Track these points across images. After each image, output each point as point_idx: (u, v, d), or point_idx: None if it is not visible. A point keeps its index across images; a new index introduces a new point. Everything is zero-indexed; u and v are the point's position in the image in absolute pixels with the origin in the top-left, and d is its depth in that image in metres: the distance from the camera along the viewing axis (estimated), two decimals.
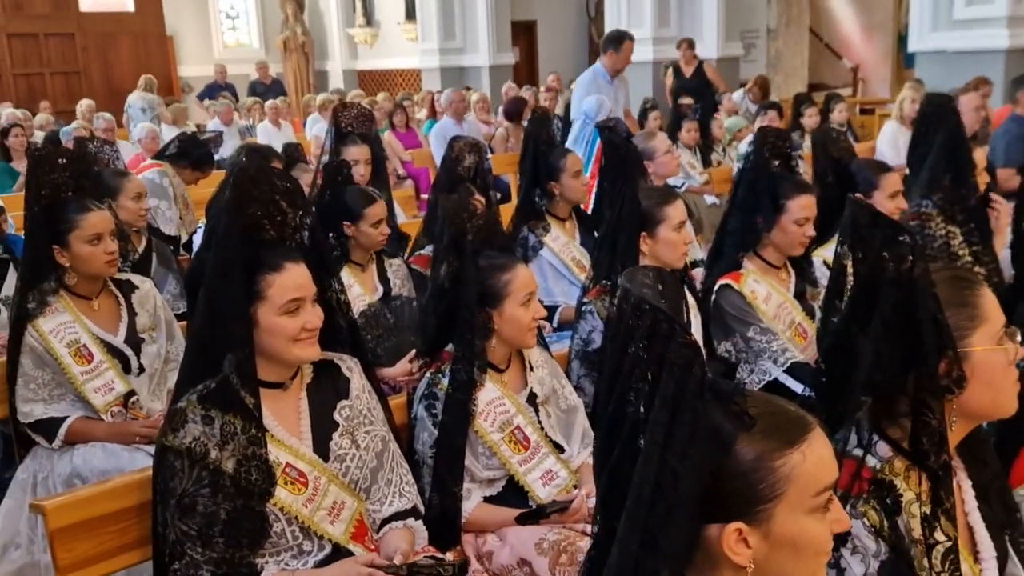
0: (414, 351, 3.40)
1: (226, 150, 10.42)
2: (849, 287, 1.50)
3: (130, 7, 15.32)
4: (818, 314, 3.11)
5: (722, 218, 3.18)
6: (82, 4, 14.84)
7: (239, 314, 1.90)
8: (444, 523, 2.27)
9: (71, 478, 2.69)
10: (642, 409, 1.08)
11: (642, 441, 1.08)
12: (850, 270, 1.50)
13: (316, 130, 10.19)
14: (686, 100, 8.19)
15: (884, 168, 3.35)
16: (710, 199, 6.89)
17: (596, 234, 4.02)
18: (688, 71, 10.56)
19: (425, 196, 8.33)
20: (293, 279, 1.96)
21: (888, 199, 3.21)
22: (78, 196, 2.85)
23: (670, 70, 10.75)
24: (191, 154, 4.82)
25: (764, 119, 6.40)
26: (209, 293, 1.92)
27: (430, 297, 2.44)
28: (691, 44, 10.68)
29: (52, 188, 2.80)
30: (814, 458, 1.09)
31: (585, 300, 2.83)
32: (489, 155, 8.46)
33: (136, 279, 3.04)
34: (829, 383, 1.49)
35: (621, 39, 7.01)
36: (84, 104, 11.04)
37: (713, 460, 1.07)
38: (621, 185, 2.77)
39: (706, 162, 7.34)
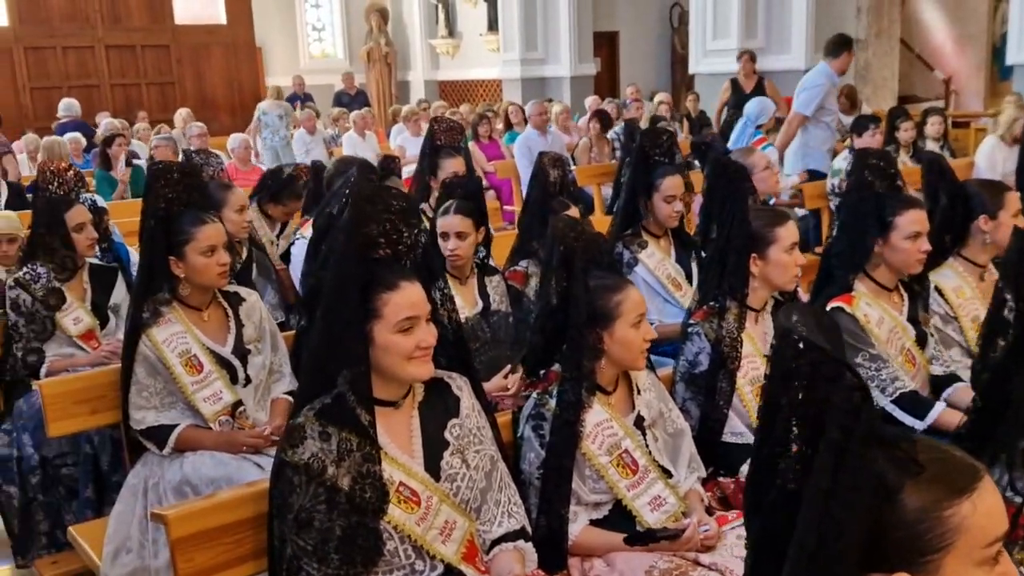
0: (509, 366, 3.44)
1: (313, 159, 10.65)
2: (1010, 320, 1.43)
3: (222, 19, 15.74)
4: (931, 342, 3.02)
5: (827, 242, 3.12)
6: (177, 17, 15.30)
7: (355, 332, 1.92)
8: (550, 545, 2.25)
9: (181, 485, 2.75)
10: (802, 453, 1.04)
11: (795, 485, 1.04)
12: (1010, 305, 1.43)
13: (400, 140, 10.32)
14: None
15: (1003, 188, 3.23)
16: (801, 211, 6.76)
17: (697, 253, 4.00)
18: (748, 85, 10.38)
19: (509, 208, 8.36)
20: (408, 297, 1.97)
21: (1012, 219, 3.10)
22: (192, 208, 2.92)
23: (727, 83, 10.57)
24: (269, 188, 4.71)
25: (872, 135, 6.24)
26: (326, 311, 1.94)
27: (538, 316, 2.42)
28: (752, 57, 10.50)
29: (168, 201, 2.87)
30: (984, 508, 1.04)
31: (691, 321, 2.78)
32: (572, 167, 8.54)
33: (243, 291, 3.09)
34: (982, 421, 1.42)
35: (849, 43, 7.26)
36: (184, 113, 11.36)
37: (878, 509, 1.03)
38: (729, 204, 2.72)
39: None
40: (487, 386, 3.26)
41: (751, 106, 6.55)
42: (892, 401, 2.81)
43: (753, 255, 2.71)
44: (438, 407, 2.12)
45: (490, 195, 9.03)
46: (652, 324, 3.73)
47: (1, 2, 14.13)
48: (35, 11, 14.14)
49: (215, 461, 2.78)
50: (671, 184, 3.85)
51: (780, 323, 1.05)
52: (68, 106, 11.50)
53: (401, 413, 2.07)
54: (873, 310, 2.92)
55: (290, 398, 3.08)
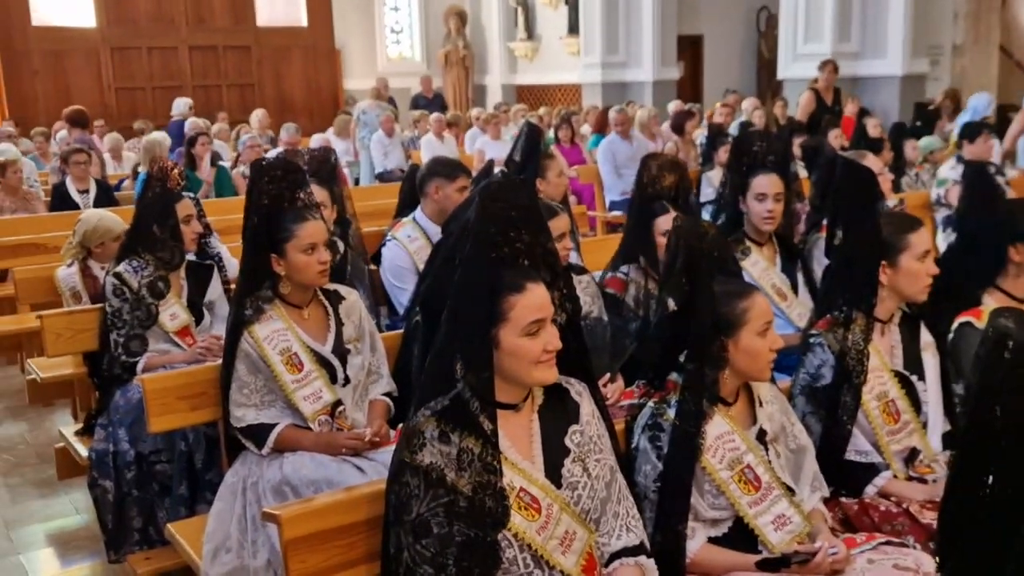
0: (607, 375, 3.39)
1: (391, 161, 10.75)
2: None
3: (303, 22, 16.03)
4: None
5: (946, 255, 3.00)
6: (259, 19, 15.62)
7: (482, 336, 1.91)
8: (667, 562, 2.18)
9: (280, 485, 2.74)
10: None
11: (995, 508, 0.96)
12: None
13: (480, 143, 10.34)
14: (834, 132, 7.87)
15: None
16: None
17: (803, 263, 3.90)
18: (828, 97, 10.14)
19: (591, 213, 8.30)
20: (535, 299, 1.95)
21: None
22: (294, 206, 2.93)
23: (808, 94, 10.32)
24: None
25: (984, 142, 6.05)
26: (453, 314, 1.93)
27: (658, 323, 2.37)
28: (835, 68, 10.26)
29: (271, 198, 2.88)
30: None
31: (813, 332, 2.70)
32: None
33: (343, 290, 3.09)
34: None
35: None
36: (259, 114, 11.56)
37: None
38: (858, 208, 2.62)
39: (896, 186, 7.01)
40: None
41: (978, 100, 6.34)
42: None
43: (883, 263, 2.61)
44: (558, 412, 2.08)
45: (571, 201, 9.01)
46: None
47: (90, 3, 14.60)
48: (122, 12, 14.59)
49: (315, 462, 2.78)
50: (761, 182, 3.78)
51: (997, 326, 0.98)
52: (182, 104, 11.71)
53: (521, 416, 2.04)
54: None
55: (388, 400, 3.08)
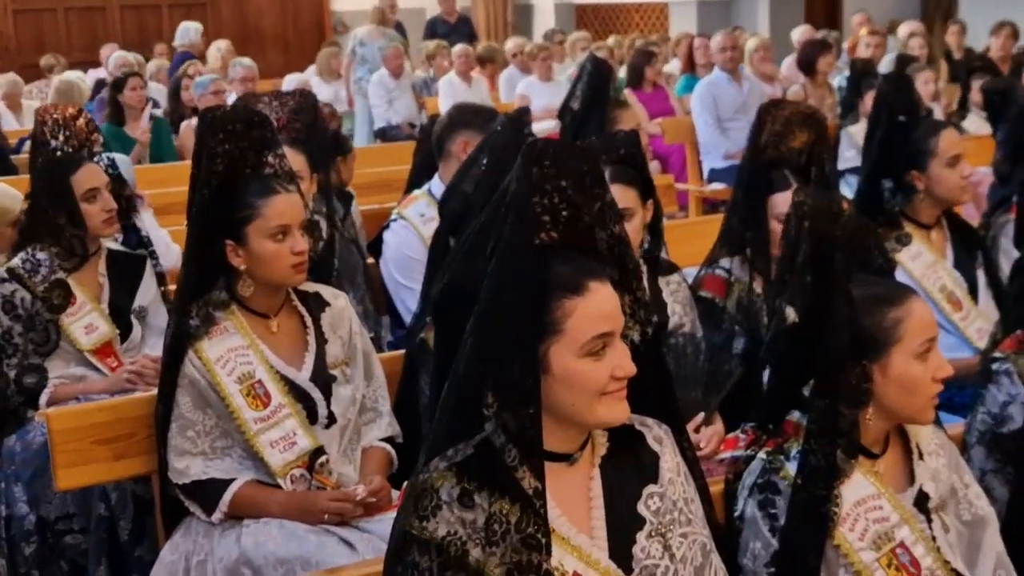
0: (701, 415, 3.40)
1: (397, 113, 10.82)
2: None
3: None
4: None
5: None
6: None
7: (525, 355, 1.91)
8: None
9: (238, 566, 2.79)
10: None
11: None
12: None
13: (525, 87, 10.41)
14: None
15: None
16: None
17: (985, 253, 3.88)
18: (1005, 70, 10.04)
19: (682, 186, 8.31)
20: (601, 306, 1.96)
21: None
22: (258, 174, 2.97)
23: None
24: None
25: None
26: (483, 325, 1.95)
27: (772, 341, 2.39)
28: (1015, 32, 10.18)
29: (227, 163, 2.93)
30: None
31: (997, 355, 2.70)
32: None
33: (328, 293, 3.14)
34: None
35: None
36: (222, 47, 11.70)
37: None
38: None
39: None
40: None
41: None
42: None
43: None
44: (629, 467, 2.10)
45: (653, 168, 9.04)
46: None
47: None
48: None
49: (285, 534, 2.82)
50: (951, 141, 3.79)
51: None
52: (185, 31, 11.85)
53: (576, 473, 2.06)
54: None
55: (389, 447, 3.12)
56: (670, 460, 2.13)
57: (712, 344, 3.60)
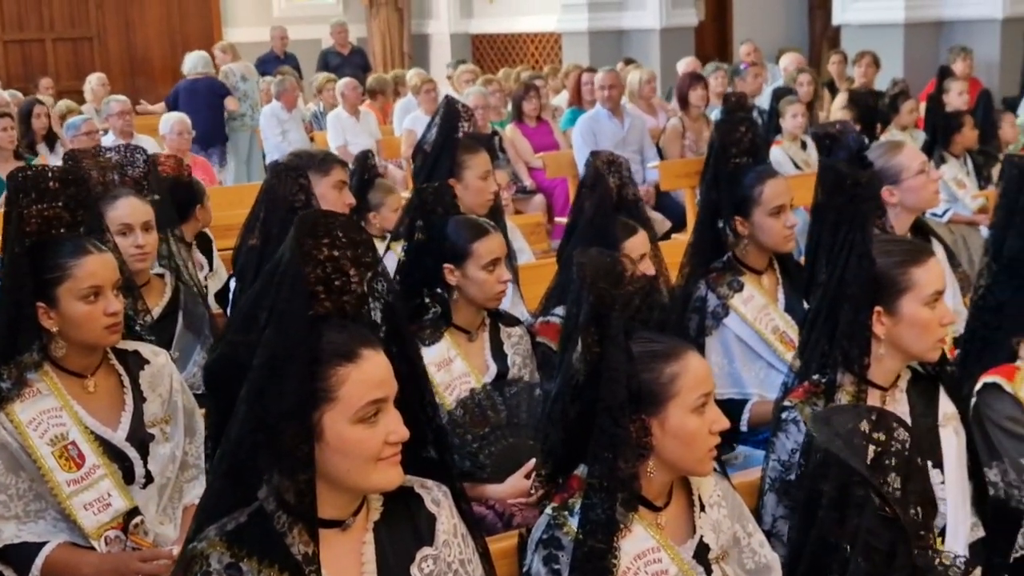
0: (533, 461, 3.45)
1: (291, 145, 10.74)
2: None
3: None
4: None
5: (977, 286, 3.11)
6: None
7: (298, 423, 1.95)
8: None
9: None
10: None
11: None
12: None
13: (410, 122, 10.41)
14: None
15: None
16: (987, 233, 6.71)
17: (806, 296, 3.98)
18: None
19: (562, 220, 8.37)
20: (373, 373, 2.01)
21: None
22: (73, 233, 2.99)
23: None
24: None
25: None
26: (256, 393, 1.97)
27: (557, 398, 2.43)
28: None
29: (39, 222, 2.94)
30: None
31: (787, 403, 2.78)
32: (656, 162, 8.52)
33: (146, 350, 3.14)
34: None
35: None
36: (94, 80, 11.58)
37: None
38: (846, 232, 2.71)
39: (983, 177, 7.15)
40: (501, 491, 3.30)
41: None
42: None
43: (877, 309, 2.70)
44: (403, 530, 2.14)
45: (537, 202, 9.12)
46: (750, 399, 3.82)
47: None
48: None
49: None
50: (777, 190, 3.85)
51: (814, 430, 1.08)
52: (197, 62, 11.54)
53: (349, 538, 2.09)
54: None
55: None
56: (447, 522, 2.17)
57: (547, 392, 3.66)
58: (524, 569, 2.40)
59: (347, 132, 10.44)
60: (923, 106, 8.57)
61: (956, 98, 8.23)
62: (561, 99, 11.41)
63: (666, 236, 7.48)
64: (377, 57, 16.98)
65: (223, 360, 2.11)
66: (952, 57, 10.46)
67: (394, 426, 2.03)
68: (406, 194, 4.62)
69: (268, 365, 1.98)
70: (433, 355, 3.46)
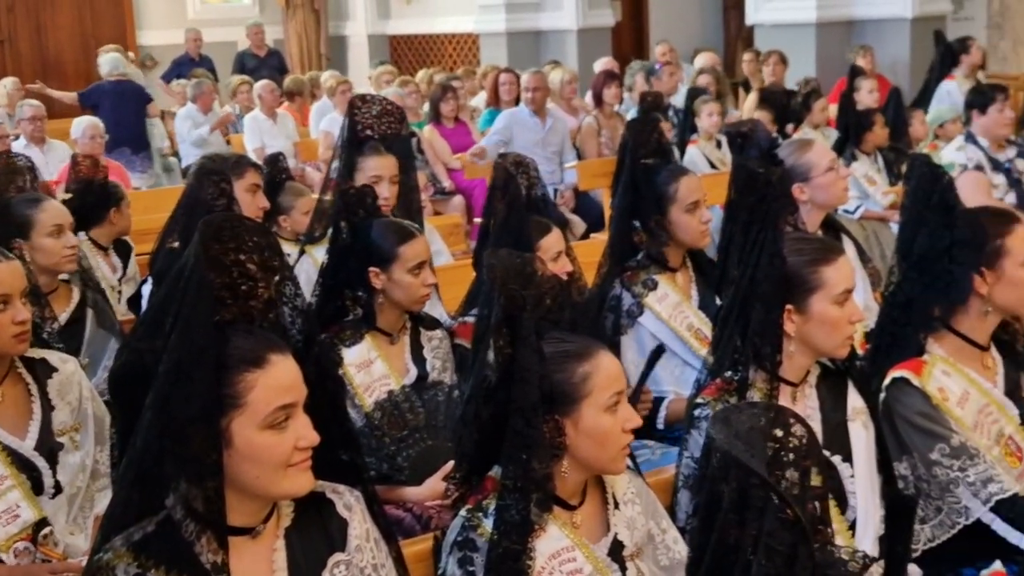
0: (451, 463, 3.45)
1: (207, 149, 10.67)
2: None
3: None
4: None
5: (888, 282, 3.16)
6: None
7: (207, 431, 1.94)
8: None
9: None
10: None
11: None
12: None
13: (326, 123, 10.35)
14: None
15: None
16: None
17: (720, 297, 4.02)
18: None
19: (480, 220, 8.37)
20: (281, 378, 2.00)
21: None
22: None
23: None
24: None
25: (1000, 111, 6.25)
26: (162, 401, 1.95)
27: (470, 399, 2.44)
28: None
29: None
30: None
31: (700, 400, 2.79)
32: (573, 162, 8.54)
33: (54, 358, 3.10)
34: None
35: None
36: (8, 84, 11.37)
37: None
38: (758, 230, 2.74)
39: (894, 174, 7.27)
40: (419, 493, 3.30)
41: None
42: (990, 510, 2.84)
43: (788, 307, 2.72)
44: (315, 536, 2.13)
45: (456, 203, 9.11)
46: (666, 398, 3.85)
47: None
48: None
49: None
50: (691, 186, 3.89)
51: (710, 432, 1.10)
52: (116, 63, 11.16)
53: (260, 545, 2.08)
54: (953, 381, 2.96)
55: None
56: (359, 527, 2.16)
57: (464, 393, 3.66)
58: (439, 572, 2.41)
59: (264, 135, 10.34)
60: (834, 105, 8.71)
61: (867, 96, 8.38)
62: (479, 100, 11.41)
63: (584, 236, 7.54)
64: (294, 59, 16.84)
65: (128, 367, 2.09)
66: (854, 56, 10.64)
67: (304, 431, 2.02)
68: (328, 197, 4.56)
69: (174, 371, 1.97)
70: (353, 356, 3.45)
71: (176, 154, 11.08)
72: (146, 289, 4.24)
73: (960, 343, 3.01)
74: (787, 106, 9.15)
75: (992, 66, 12.07)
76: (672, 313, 3.93)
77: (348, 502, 2.18)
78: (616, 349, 3.77)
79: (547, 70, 10.93)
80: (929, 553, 2.89)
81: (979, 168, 6.08)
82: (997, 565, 2.77)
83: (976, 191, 5.40)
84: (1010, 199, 6.12)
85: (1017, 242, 2.96)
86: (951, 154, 6.48)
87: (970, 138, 6.44)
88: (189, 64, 14.05)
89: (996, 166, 6.20)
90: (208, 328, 1.97)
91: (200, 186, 3.94)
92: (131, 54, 13.12)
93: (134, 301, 4.44)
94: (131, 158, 10.15)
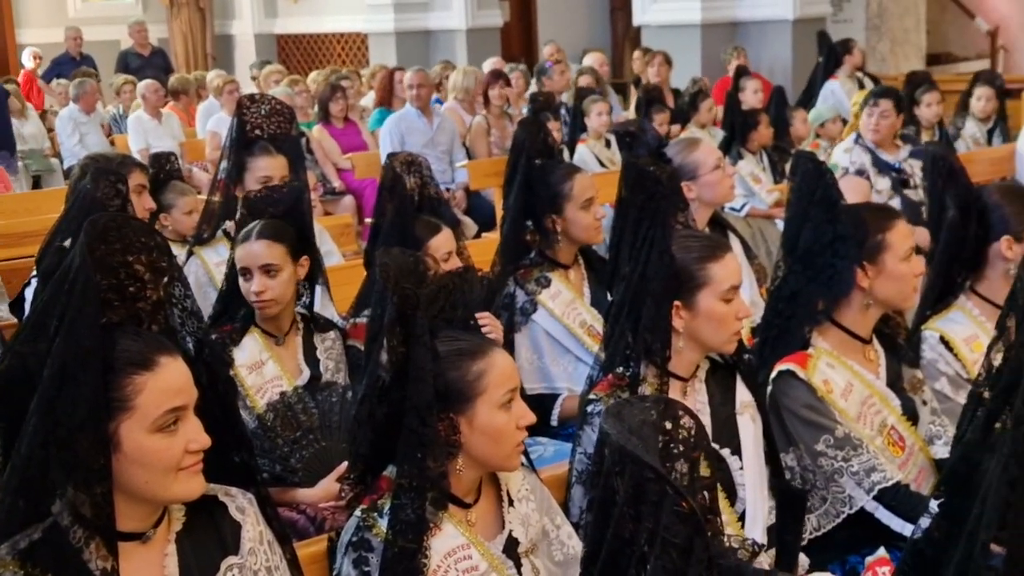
0: (345, 464, 3.43)
1: (88, 150, 10.44)
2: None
3: None
4: (923, 414, 3.14)
5: (774, 277, 3.23)
6: None
7: (94, 435, 1.90)
8: None
9: None
10: None
11: None
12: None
13: (213, 123, 10.23)
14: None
15: None
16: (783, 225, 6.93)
17: (610, 288, 4.06)
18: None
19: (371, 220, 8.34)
20: (171, 380, 1.98)
21: None
22: None
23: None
24: None
25: (874, 113, 6.35)
26: (47, 405, 1.91)
27: (364, 399, 2.43)
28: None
29: None
30: None
31: (592, 396, 2.82)
32: (464, 162, 8.55)
33: None
34: (945, 522, 1.48)
35: None
36: None
37: None
38: (647, 228, 2.77)
39: (779, 172, 7.40)
40: (312, 495, 3.27)
41: None
42: (874, 498, 2.91)
43: (676, 303, 2.76)
44: (207, 539, 2.11)
45: (346, 203, 9.06)
46: (561, 394, 3.87)
47: None
48: None
49: None
50: (584, 185, 3.94)
51: (604, 426, 1.11)
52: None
53: (150, 550, 2.05)
54: (837, 373, 3.03)
55: None
56: (252, 529, 2.15)
57: (357, 393, 3.64)
58: (334, 573, 2.40)
59: (149, 135, 10.20)
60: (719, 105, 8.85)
61: (751, 96, 8.52)
62: (368, 100, 11.37)
63: (476, 235, 7.55)
64: (179, 58, 16.62)
65: (11, 371, 2.04)
66: (727, 57, 10.84)
67: (194, 434, 2.01)
68: (216, 198, 4.50)
69: (59, 375, 1.93)
70: (244, 357, 3.42)
71: (58, 155, 10.84)
72: (29, 291, 4.13)
73: (843, 336, 3.08)
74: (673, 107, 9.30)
75: (871, 66, 12.34)
76: (565, 310, 3.97)
77: (241, 505, 2.16)
78: (510, 347, 3.79)
79: (442, 69, 10.97)
80: (816, 542, 2.95)
81: (860, 172, 6.15)
82: (881, 551, 2.84)
83: (853, 197, 5.48)
84: (895, 203, 6.17)
85: (898, 237, 3.04)
86: (839, 155, 6.58)
87: (858, 139, 6.47)
88: (70, 63, 13.81)
89: (883, 168, 6.25)
90: (94, 330, 1.94)
91: (96, 186, 3.84)
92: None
93: (16, 305, 4.33)
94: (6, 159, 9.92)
